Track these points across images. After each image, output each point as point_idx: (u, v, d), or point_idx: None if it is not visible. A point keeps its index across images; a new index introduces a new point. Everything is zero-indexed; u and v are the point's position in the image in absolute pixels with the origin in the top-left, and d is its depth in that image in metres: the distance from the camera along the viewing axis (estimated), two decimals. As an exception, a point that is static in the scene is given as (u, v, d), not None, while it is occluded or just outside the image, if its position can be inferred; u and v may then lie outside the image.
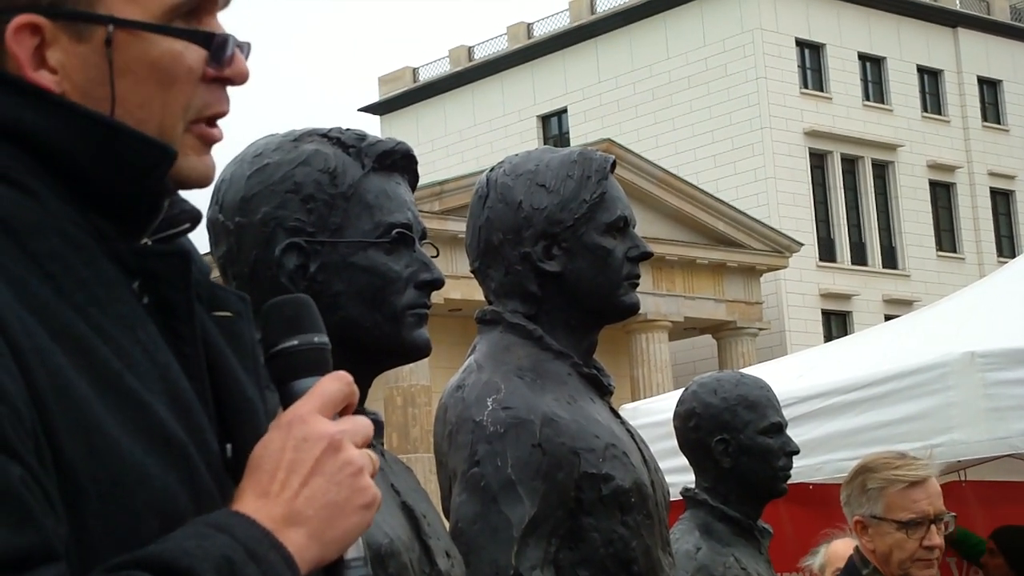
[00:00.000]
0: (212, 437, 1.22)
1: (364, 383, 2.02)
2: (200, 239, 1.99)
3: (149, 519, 1.12)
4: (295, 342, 1.26)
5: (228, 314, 1.32)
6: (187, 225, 1.32)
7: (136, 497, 1.12)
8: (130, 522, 1.11)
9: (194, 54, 1.24)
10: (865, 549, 3.75)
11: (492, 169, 2.75)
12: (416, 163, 2.08)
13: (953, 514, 3.75)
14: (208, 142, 1.28)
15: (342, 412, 1.24)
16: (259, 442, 1.20)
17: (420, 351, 2.00)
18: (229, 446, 1.24)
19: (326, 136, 2.02)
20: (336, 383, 1.23)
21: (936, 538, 3.64)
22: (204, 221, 2.03)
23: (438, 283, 2.00)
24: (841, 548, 5.14)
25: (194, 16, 1.25)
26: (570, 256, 2.65)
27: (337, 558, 1.20)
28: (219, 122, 1.29)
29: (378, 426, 2.02)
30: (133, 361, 1.16)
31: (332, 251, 1.96)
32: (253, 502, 1.16)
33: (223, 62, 1.26)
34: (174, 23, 1.24)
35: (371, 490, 1.20)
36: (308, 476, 1.17)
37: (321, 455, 1.18)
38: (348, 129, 2.04)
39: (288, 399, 1.24)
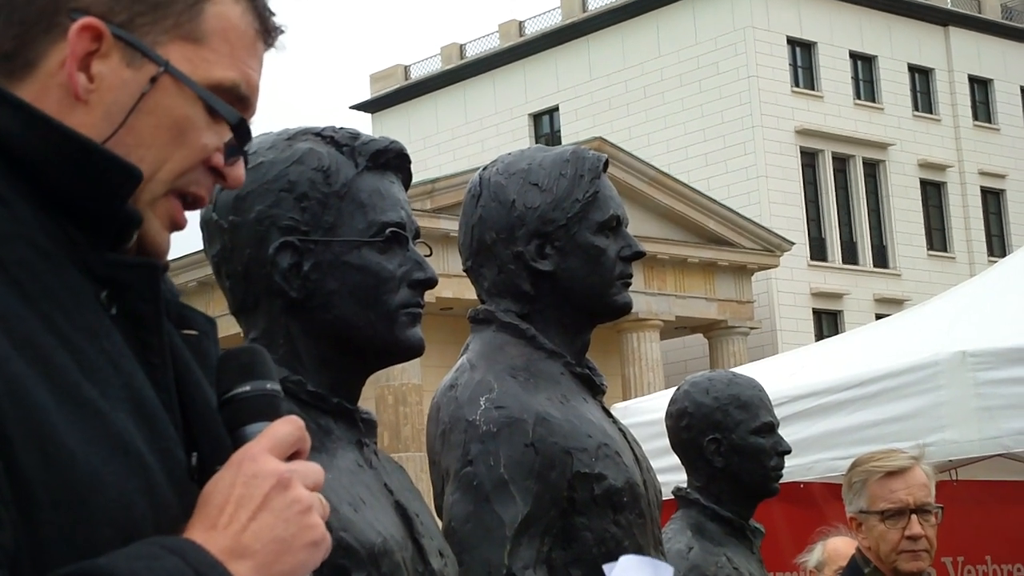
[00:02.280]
0: (178, 446, 1.23)
1: (357, 382, 2.02)
2: (194, 238, 2.00)
3: (104, 528, 1.13)
4: (247, 388, 1.28)
5: (195, 333, 1.35)
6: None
7: (91, 506, 1.13)
8: (84, 531, 1.12)
9: (214, 135, 1.29)
10: (862, 546, 3.76)
11: (485, 168, 2.75)
12: (409, 162, 2.08)
13: (940, 506, 3.75)
14: (174, 223, 1.30)
15: (294, 457, 1.25)
16: (209, 480, 1.21)
17: (414, 350, 2.00)
18: (195, 455, 1.25)
19: (320, 135, 2.02)
20: (288, 426, 1.25)
21: (918, 528, 3.63)
22: (198, 220, 2.03)
23: (431, 282, 2.00)
24: (841, 546, 5.14)
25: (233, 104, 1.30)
26: (563, 255, 2.65)
27: None
28: None
29: (371, 426, 2.02)
30: (96, 370, 1.18)
31: (326, 250, 1.96)
32: (201, 534, 1.17)
33: (235, 155, 1.31)
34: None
35: (320, 529, 1.21)
36: (256, 511, 1.18)
37: (270, 491, 1.19)
38: (342, 128, 2.04)
39: (239, 443, 1.25)
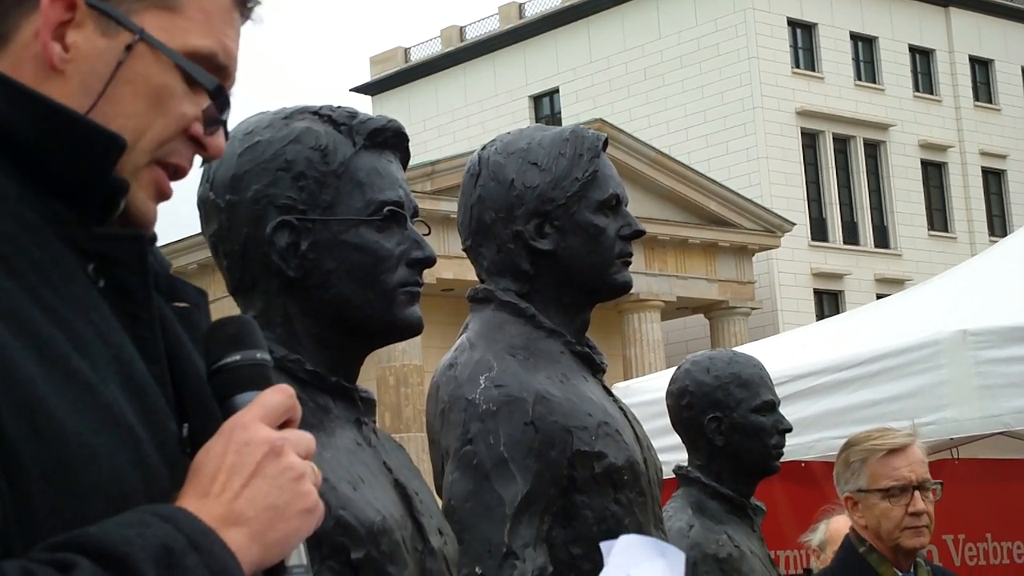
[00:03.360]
0: (168, 418, 1.23)
1: (356, 361, 2.01)
2: (193, 221, 1.99)
3: (95, 499, 1.13)
4: (237, 357, 1.27)
5: (185, 304, 1.35)
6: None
7: (82, 477, 1.12)
8: (76, 502, 1.12)
9: (193, 104, 1.28)
10: (858, 526, 3.77)
11: (484, 147, 2.74)
12: (407, 141, 2.07)
13: (939, 482, 3.76)
14: (160, 192, 1.30)
15: (286, 426, 1.24)
16: (201, 449, 1.21)
17: (412, 329, 2.00)
18: (186, 426, 1.25)
19: (317, 114, 2.01)
20: (278, 395, 1.24)
21: (921, 504, 3.66)
22: (196, 199, 2.03)
23: (430, 261, 1.99)
24: (843, 526, 5.14)
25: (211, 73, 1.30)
26: (562, 234, 2.64)
27: (278, 563, 1.20)
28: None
29: (370, 405, 2.02)
30: (86, 343, 1.17)
31: (323, 229, 1.95)
32: (194, 502, 1.17)
33: (214, 124, 1.30)
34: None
35: (312, 496, 1.21)
36: (249, 478, 1.18)
37: (263, 459, 1.19)
38: (339, 107, 2.03)
39: (230, 412, 1.25)
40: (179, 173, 1.31)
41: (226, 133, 1.34)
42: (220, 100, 1.30)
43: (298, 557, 1.22)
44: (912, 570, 3.73)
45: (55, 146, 1.21)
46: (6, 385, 1.10)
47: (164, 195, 1.31)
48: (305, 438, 1.24)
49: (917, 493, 3.67)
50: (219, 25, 1.30)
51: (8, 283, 1.14)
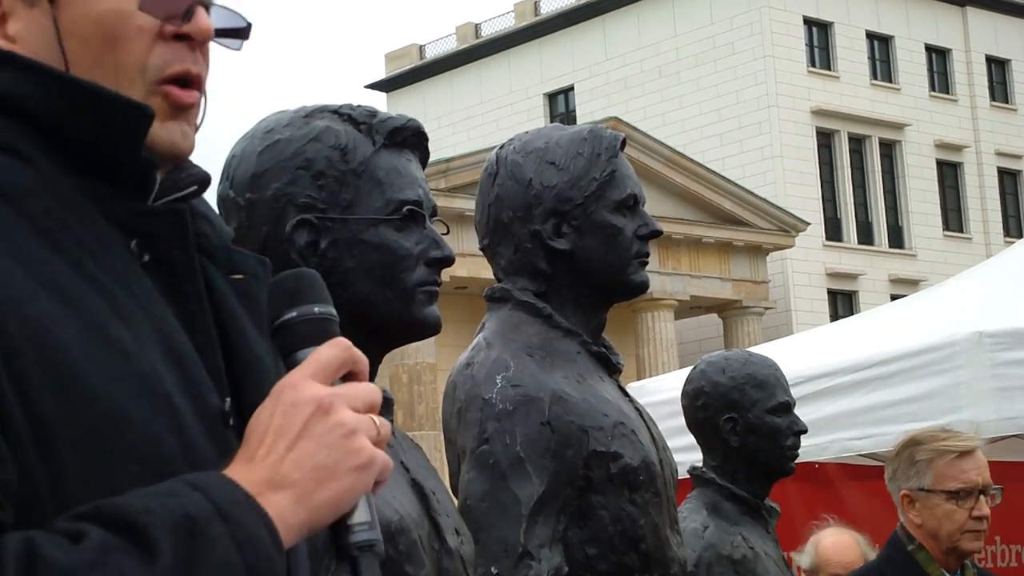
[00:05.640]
0: (210, 390, 1.22)
1: (374, 360, 2.01)
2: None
3: (130, 465, 1.12)
4: (294, 314, 1.25)
5: (241, 276, 1.33)
6: (194, 188, 1.32)
7: (115, 444, 1.12)
8: (109, 468, 1.11)
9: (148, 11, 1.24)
10: (911, 524, 3.75)
11: (502, 146, 2.74)
12: (427, 140, 2.07)
13: (999, 487, 3.76)
14: (175, 104, 1.26)
15: (350, 379, 1.22)
16: (254, 414, 1.19)
17: (430, 328, 2.00)
18: (228, 400, 1.24)
19: (337, 112, 2.01)
20: (332, 349, 1.21)
21: (985, 508, 3.66)
22: (215, 196, 2.03)
23: (449, 260, 2.00)
24: (833, 543, 5.11)
25: None
26: (580, 234, 2.64)
27: (340, 521, 1.18)
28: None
29: (388, 403, 2.02)
30: (127, 313, 1.17)
31: (343, 228, 1.95)
32: (240, 467, 1.15)
33: (181, 19, 1.25)
34: None
35: (366, 451, 1.17)
36: (295, 440, 1.15)
37: (309, 418, 1.16)
38: (359, 106, 2.03)
39: (291, 370, 1.23)
40: (191, 81, 1.27)
41: (207, 6, 1.29)
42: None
43: (363, 514, 1.20)
44: (959, 571, 3.72)
45: (85, 124, 1.21)
46: (38, 352, 1.10)
47: (181, 106, 1.26)
48: (364, 390, 1.21)
49: (983, 497, 3.67)
50: None
51: (52, 256, 1.15)
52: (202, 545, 1.07)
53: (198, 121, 1.31)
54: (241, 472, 1.14)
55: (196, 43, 1.27)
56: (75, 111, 1.21)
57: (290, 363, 1.23)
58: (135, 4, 1.24)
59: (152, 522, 1.07)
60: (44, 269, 1.14)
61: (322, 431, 1.16)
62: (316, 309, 1.26)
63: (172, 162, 1.28)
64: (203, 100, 1.31)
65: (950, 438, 3.76)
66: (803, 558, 5.24)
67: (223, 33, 1.33)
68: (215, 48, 1.32)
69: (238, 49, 1.35)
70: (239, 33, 1.35)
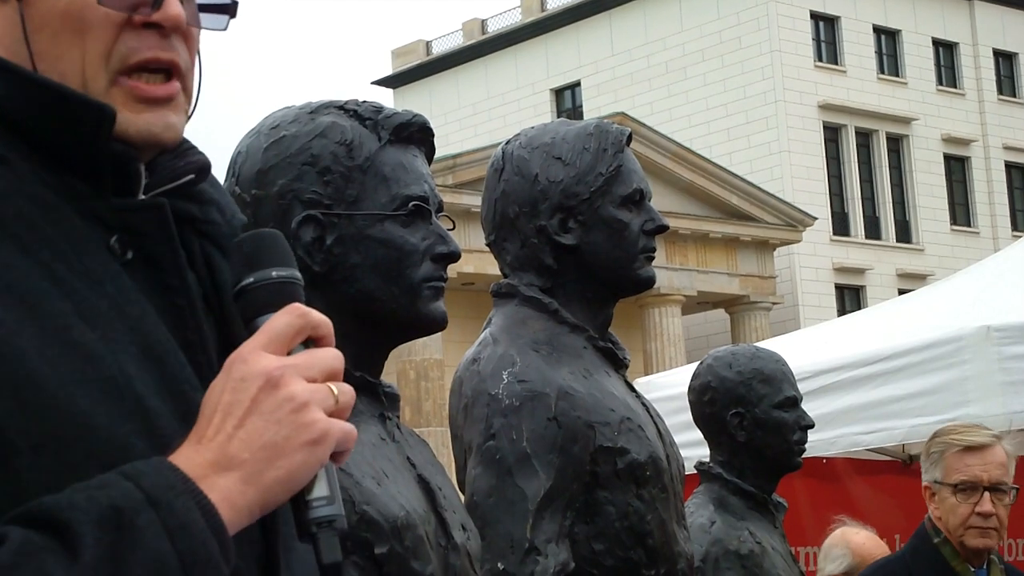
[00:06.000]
0: (196, 387, 1.18)
1: (380, 356, 2.02)
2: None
3: (92, 470, 1.09)
4: (251, 279, 1.20)
5: None
6: (190, 177, 1.29)
7: (77, 449, 1.10)
8: (69, 474, 1.08)
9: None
10: (934, 516, 3.74)
11: (508, 142, 2.74)
12: (433, 135, 2.07)
13: (1016, 486, 3.73)
14: (138, 97, 1.23)
15: (315, 344, 1.18)
16: (207, 389, 1.15)
17: (437, 324, 1.99)
18: None
19: (343, 108, 2.01)
20: (286, 316, 1.17)
21: (988, 505, 3.62)
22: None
23: (455, 256, 1.99)
24: (865, 541, 4.97)
25: None
26: (586, 229, 2.64)
27: (298, 497, 1.15)
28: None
29: (394, 400, 2.02)
30: (97, 315, 1.15)
31: (349, 224, 1.95)
32: (188, 449, 1.12)
33: (151, 7, 1.23)
34: None
35: (318, 425, 1.13)
36: (243, 417, 1.12)
37: (258, 393, 1.12)
38: (365, 101, 2.03)
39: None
40: (163, 67, 1.24)
41: None
42: None
43: (322, 488, 1.15)
44: (985, 567, 3.70)
45: (55, 123, 1.19)
46: None
47: (144, 95, 1.23)
48: (319, 358, 1.16)
49: (987, 494, 3.63)
50: None
51: (17, 260, 1.13)
52: (129, 536, 1.05)
53: (188, 108, 1.28)
54: (188, 454, 1.11)
55: (167, 30, 1.24)
56: (40, 110, 1.19)
57: (250, 331, 1.19)
58: None
59: (75, 517, 1.04)
60: (5, 274, 1.11)
61: (271, 406, 1.12)
62: (274, 273, 1.20)
63: (154, 151, 1.26)
64: (196, 88, 1.29)
65: (964, 432, 3.74)
66: (834, 564, 4.93)
67: (208, 8, 1.30)
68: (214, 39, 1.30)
69: (224, 28, 1.31)
70: (225, 9, 1.32)
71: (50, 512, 1.04)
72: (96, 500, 1.05)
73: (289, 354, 1.16)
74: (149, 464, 1.09)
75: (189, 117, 1.29)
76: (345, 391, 1.17)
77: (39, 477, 1.08)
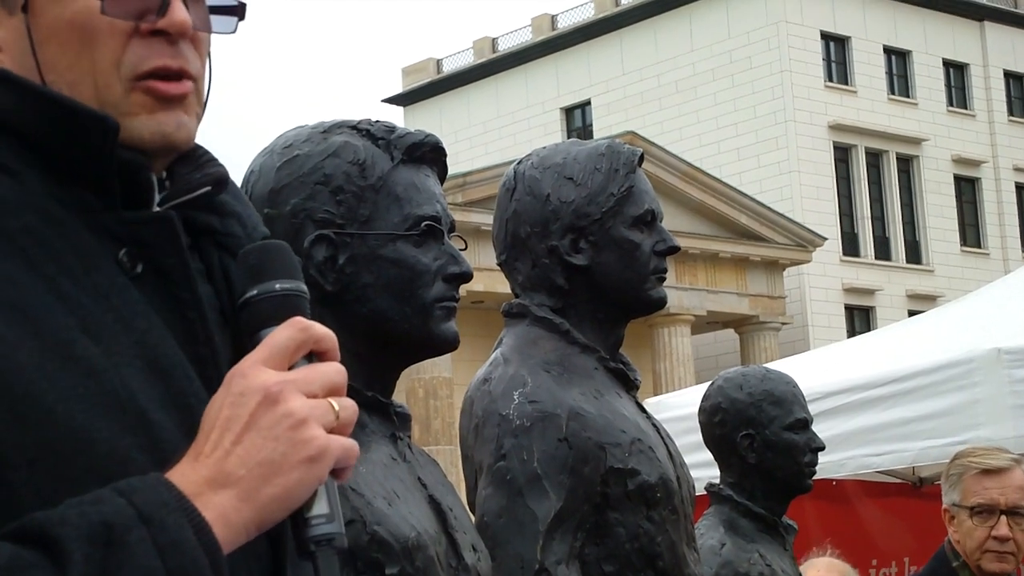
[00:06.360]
0: (201, 400, 1.17)
1: (392, 376, 2.02)
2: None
3: (91, 484, 1.08)
4: (255, 292, 1.19)
5: None
6: (207, 188, 1.29)
7: (74, 464, 1.09)
8: (67, 489, 1.07)
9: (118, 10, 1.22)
10: (953, 539, 3.72)
11: (520, 162, 2.74)
12: (445, 155, 2.07)
13: None
14: (159, 96, 1.23)
15: (318, 359, 1.17)
16: (208, 404, 1.15)
17: (449, 344, 1.99)
18: None
19: (355, 128, 2.01)
20: (287, 330, 1.16)
21: (1005, 529, 3.60)
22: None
23: (467, 276, 1.99)
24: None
25: None
26: (597, 249, 2.64)
27: (298, 514, 1.13)
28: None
29: (405, 420, 2.01)
30: (102, 329, 1.14)
31: (361, 243, 1.95)
32: (183, 466, 1.11)
33: (156, 14, 1.23)
34: None
35: (316, 442, 1.11)
36: (241, 433, 1.11)
37: (256, 409, 1.11)
38: (377, 121, 2.04)
39: None
40: (172, 74, 1.23)
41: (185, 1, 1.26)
42: None
43: (322, 506, 1.14)
44: None
45: (63, 136, 1.19)
46: None
47: (163, 94, 1.23)
48: (320, 373, 1.15)
49: (1004, 518, 3.61)
50: None
51: (22, 274, 1.13)
52: (118, 552, 1.04)
53: (200, 112, 1.28)
54: (184, 471, 1.10)
55: (174, 37, 1.24)
56: (47, 122, 1.19)
57: (253, 344, 1.17)
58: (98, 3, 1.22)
59: (66, 533, 1.03)
60: (8, 288, 1.11)
61: (269, 422, 1.11)
62: (278, 286, 1.19)
63: (169, 155, 1.25)
64: (206, 91, 1.29)
65: (983, 455, 3.72)
66: None
67: (217, 10, 1.30)
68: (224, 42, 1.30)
69: (232, 31, 1.31)
70: (233, 10, 1.31)
71: (41, 528, 1.04)
72: (88, 516, 1.05)
73: (291, 368, 1.16)
74: (144, 480, 1.09)
75: (199, 120, 1.29)
76: (347, 406, 1.16)
77: (36, 491, 1.08)
